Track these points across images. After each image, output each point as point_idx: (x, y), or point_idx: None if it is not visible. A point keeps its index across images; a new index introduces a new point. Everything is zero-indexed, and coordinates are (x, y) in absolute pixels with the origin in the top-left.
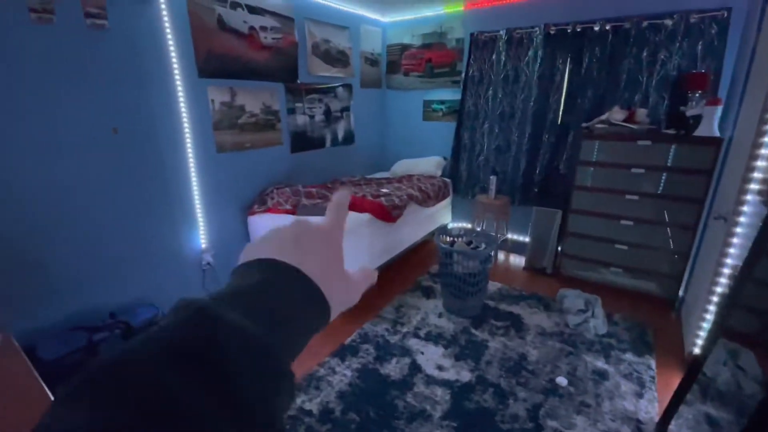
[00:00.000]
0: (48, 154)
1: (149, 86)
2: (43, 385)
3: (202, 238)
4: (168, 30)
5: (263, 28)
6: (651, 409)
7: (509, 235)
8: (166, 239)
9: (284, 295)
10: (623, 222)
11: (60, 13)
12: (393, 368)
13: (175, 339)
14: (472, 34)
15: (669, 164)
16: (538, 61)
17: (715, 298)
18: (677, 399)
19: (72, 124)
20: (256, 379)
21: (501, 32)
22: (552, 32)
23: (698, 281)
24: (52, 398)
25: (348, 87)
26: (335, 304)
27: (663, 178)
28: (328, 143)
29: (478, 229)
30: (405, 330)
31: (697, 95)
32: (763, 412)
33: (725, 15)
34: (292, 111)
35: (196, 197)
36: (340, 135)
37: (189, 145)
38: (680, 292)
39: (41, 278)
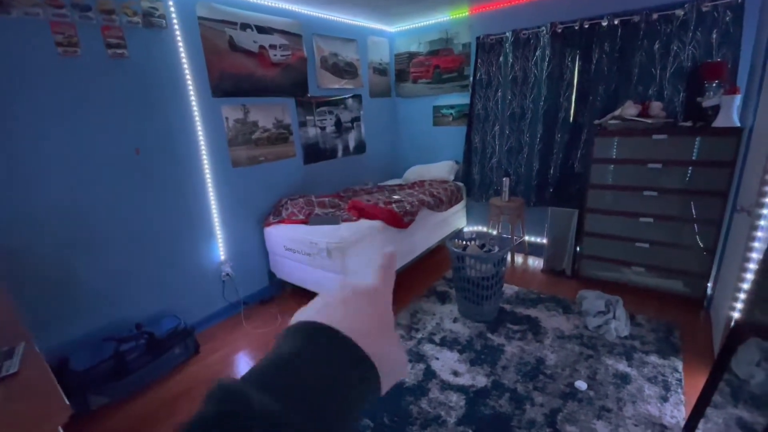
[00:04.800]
0: (77, 175)
1: (167, 108)
2: (62, 393)
3: (220, 250)
4: (183, 54)
5: (272, 47)
6: (677, 413)
7: (526, 238)
8: (186, 252)
9: (324, 362)
10: (642, 219)
11: (84, 45)
12: (408, 374)
13: None
14: (478, 38)
15: (688, 157)
16: (546, 60)
17: (741, 295)
18: (703, 400)
19: (98, 146)
20: None
21: (507, 34)
22: (559, 30)
23: (726, 278)
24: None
25: (357, 98)
26: (386, 370)
27: (682, 172)
28: (339, 153)
29: (493, 233)
30: (420, 336)
31: (714, 85)
32: None
33: (739, 1)
34: (303, 124)
35: (214, 211)
36: (352, 145)
37: (206, 161)
38: (708, 290)
39: (72, 293)
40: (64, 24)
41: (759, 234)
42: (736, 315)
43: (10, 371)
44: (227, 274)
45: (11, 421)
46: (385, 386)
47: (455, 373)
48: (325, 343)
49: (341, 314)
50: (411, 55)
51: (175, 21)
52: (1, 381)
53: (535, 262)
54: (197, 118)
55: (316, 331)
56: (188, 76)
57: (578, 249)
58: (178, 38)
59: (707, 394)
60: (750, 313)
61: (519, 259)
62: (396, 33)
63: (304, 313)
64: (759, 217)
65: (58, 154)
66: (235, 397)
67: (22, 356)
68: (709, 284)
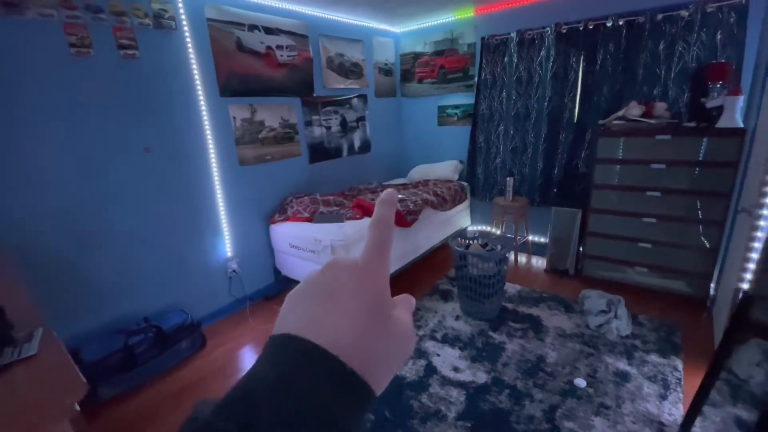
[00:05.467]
0: (89, 172)
1: (176, 107)
2: (79, 372)
3: (227, 246)
4: (191, 55)
5: (279, 47)
6: (675, 411)
7: (530, 237)
8: (194, 249)
9: (293, 390)
10: (646, 219)
11: (96, 46)
12: (409, 370)
13: None
14: (483, 38)
15: (691, 158)
16: (551, 60)
17: (751, 265)
18: (700, 397)
19: (109, 144)
20: None
21: (512, 34)
22: (563, 31)
23: (728, 278)
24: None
25: (363, 97)
26: (378, 375)
27: (686, 172)
28: (345, 153)
29: (497, 232)
30: (422, 333)
31: (718, 86)
32: None
33: (744, 2)
34: (309, 123)
35: (221, 208)
36: (357, 144)
37: (213, 160)
38: (711, 291)
39: (83, 287)
40: (77, 25)
41: (759, 234)
42: (745, 286)
43: (30, 353)
44: (234, 271)
45: (32, 398)
46: (381, 388)
47: (456, 370)
48: (296, 363)
49: (316, 313)
50: (416, 56)
51: (184, 22)
52: (22, 362)
53: (539, 262)
54: (205, 118)
55: (284, 346)
56: (197, 76)
57: (581, 249)
58: (188, 39)
59: (703, 393)
60: (759, 283)
61: (522, 258)
62: (401, 33)
63: (288, 315)
64: (759, 217)
65: (70, 152)
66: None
67: (40, 340)
68: (712, 285)
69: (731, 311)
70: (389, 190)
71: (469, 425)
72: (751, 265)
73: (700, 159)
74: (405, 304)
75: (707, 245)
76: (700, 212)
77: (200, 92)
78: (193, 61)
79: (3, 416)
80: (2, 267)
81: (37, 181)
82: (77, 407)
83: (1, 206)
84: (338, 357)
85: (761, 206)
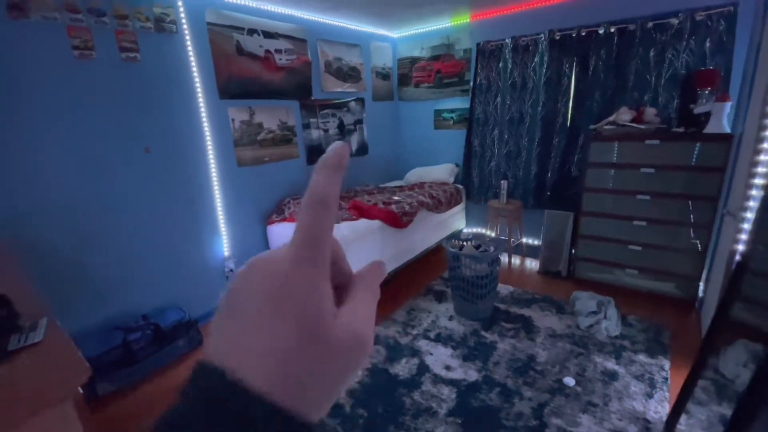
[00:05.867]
0: (90, 171)
1: (176, 109)
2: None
3: (225, 246)
4: (192, 58)
5: (278, 51)
6: (660, 409)
7: (523, 239)
8: (192, 248)
9: None
10: (636, 222)
11: (99, 49)
12: (402, 368)
13: None
14: (478, 44)
15: (680, 162)
16: (545, 66)
17: (745, 226)
18: (685, 392)
19: (110, 144)
20: None
21: (507, 40)
22: (557, 38)
23: (716, 280)
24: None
25: (360, 101)
26: (313, 402)
27: (674, 176)
28: None
29: (491, 234)
30: (415, 332)
31: (706, 92)
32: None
33: (732, 10)
34: (307, 126)
35: (219, 208)
36: (354, 147)
37: (212, 161)
38: (700, 292)
39: (83, 283)
40: (80, 28)
41: (743, 237)
42: (740, 248)
43: (35, 340)
44: (231, 270)
45: (39, 381)
46: (319, 413)
47: (448, 368)
48: (203, 398)
49: (233, 332)
50: (413, 60)
51: (185, 26)
52: (28, 348)
53: (532, 264)
54: (205, 119)
55: (196, 374)
56: (197, 79)
57: (573, 251)
58: (188, 43)
59: (688, 390)
60: (753, 246)
61: (516, 260)
62: (399, 38)
63: (213, 339)
64: (743, 220)
65: (71, 151)
66: None
67: (45, 328)
68: (701, 286)
69: (723, 288)
70: (338, 143)
71: (459, 421)
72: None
73: (688, 164)
74: (365, 286)
75: (699, 247)
76: (692, 215)
77: (200, 94)
78: (193, 64)
79: (10, 398)
80: (7, 260)
81: (38, 179)
82: (80, 390)
83: (6, 202)
84: (254, 390)
85: (745, 209)
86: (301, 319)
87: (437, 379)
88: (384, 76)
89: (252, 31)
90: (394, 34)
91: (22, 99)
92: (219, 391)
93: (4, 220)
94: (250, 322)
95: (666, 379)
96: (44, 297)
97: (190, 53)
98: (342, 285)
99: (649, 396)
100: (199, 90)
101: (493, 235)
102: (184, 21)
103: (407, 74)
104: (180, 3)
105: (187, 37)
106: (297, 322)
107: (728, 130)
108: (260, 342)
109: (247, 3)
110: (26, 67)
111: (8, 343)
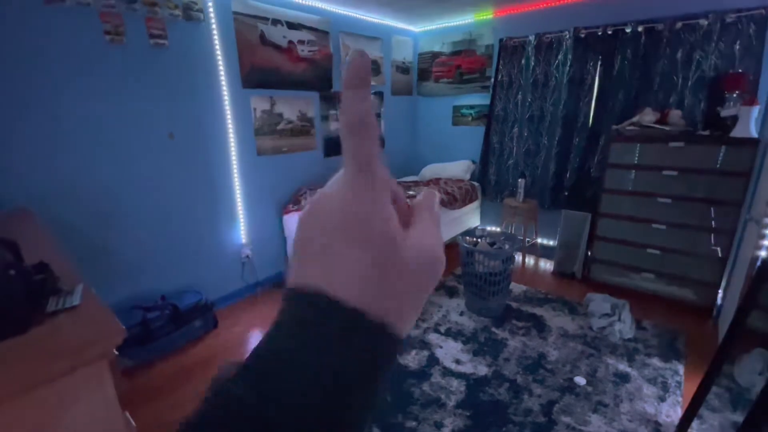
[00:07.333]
0: (115, 153)
1: (200, 96)
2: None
3: (242, 233)
4: (217, 46)
5: (301, 42)
6: (672, 413)
7: (538, 239)
8: (211, 233)
9: (322, 352)
10: (655, 226)
11: (129, 34)
12: (412, 359)
13: None
14: (501, 40)
15: (704, 166)
16: (568, 64)
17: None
18: (699, 397)
19: (135, 129)
20: None
21: (530, 37)
22: (582, 35)
23: (735, 287)
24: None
25: (379, 94)
26: (401, 315)
27: (698, 180)
28: None
29: (504, 231)
30: (426, 325)
31: (734, 96)
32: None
33: (764, 13)
34: (325, 118)
35: (238, 196)
36: None
37: (233, 148)
38: (719, 300)
39: (106, 263)
40: (112, 14)
41: (766, 243)
42: (763, 254)
43: (74, 303)
44: (247, 257)
45: (78, 340)
46: (407, 326)
47: (457, 362)
48: (309, 319)
49: (323, 261)
50: (434, 55)
51: (212, 14)
52: (66, 311)
53: (546, 264)
54: (227, 107)
55: (296, 300)
56: (221, 67)
57: (589, 253)
58: (214, 31)
59: (701, 395)
60: (741, 318)
61: (531, 260)
62: (420, 33)
63: (296, 259)
64: (766, 226)
65: (100, 134)
66: (224, 398)
67: (81, 294)
68: (720, 293)
69: (744, 287)
70: (354, 53)
71: (467, 414)
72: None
73: (713, 167)
74: (425, 208)
75: (719, 254)
76: (713, 221)
77: (223, 82)
78: (218, 52)
79: (50, 356)
80: (42, 232)
81: (65, 159)
82: (115, 352)
83: (34, 180)
84: (356, 307)
85: None
86: (372, 245)
87: (447, 372)
88: (404, 70)
89: (276, 22)
90: (416, 28)
91: (55, 81)
92: (320, 310)
93: (34, 197)
94: (327, 256)
95: (679, 383)
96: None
97: (216, 41)
98: (406, 221)
99: (662, 399)
100: (223, 78)
101: (505, 232)
102: (211, 9)
103: (427, 69)
104: None
105: (214, 26)
106: (369, 247)
107: (755, 135)
108: (341, 272)
109: None
110: (59, 50)
111: (47, 305)
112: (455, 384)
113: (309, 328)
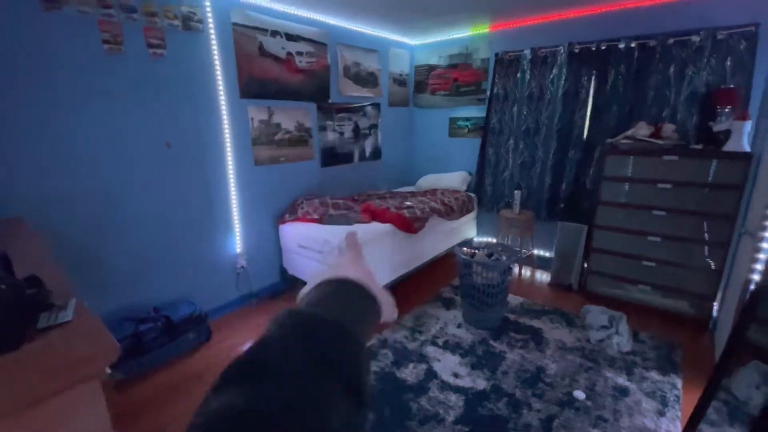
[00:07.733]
0: (111, 162)
1: (198, 106)
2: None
3: (237, 243)
4: (216, 56)
5: (299, 53)
6: (672, 427)
7: (535, 251)
8: (205, 243)
9: (348, 295)
10: (650, 238)
11: (128, 43)
12: (409, 373)
13: (296, 328)
14: (497, 54)
15: (698, 179)
16: (563, 78)
17: (761, 256)
18: (698, 411)
19: (132, 138)
20: (340, 347)
21: (525, 51)
22: (576, 50)
23: (731, 300)
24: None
25: (376, 106)
26: (383, 303)
27: (692, 193)
28: (356, 158)
29: (501, 243)
30: (423, 338)
31: (726, 110)
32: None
33: (754, 30)
34: (323, 128)
35: (234, 205)
36: (368, 151)
37: (230, 158)
38: (714, 312)
39: (98, 272)
40: (111, 23)
41: (761, 256)
42: (758, 267)
43: (66, 319)
44: (242, 267)
45: (70, 359)
46: (383, 316)
47: (456, 375)
48: (347, 287)
49: (346, 271)
50: (431, 68)
51: (211, 25)
52: (58, 326)
53: (543, 276)
54: (225, 117)
55: (338, 281)
56: (219, 77)
57: (586, 264)
58: (213, 41)
59: (701, 410)
60: (740, 331)
61: (527, 272)
62: (417, 46)
63: (321, 276)
64: (761, 239)
65: (95, 142)
66: (304, 312)
67: (74, 308)
68: (715, 306)
69: (737, 312)
70: (352, 232)
71: (467, 429)
72: (752, 287)
73: (706, 181)
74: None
75: (712, 266)
76: (707, 234)
77: (221, 92)
78: (216, 62)
79: (41, 375)
80: (36, 242)
81: (60, 167)
82: (108, 370)
83: (32, 187)
84: (363, 285)
85: (764, 229)
86: (364, 269)
87: (445, 386)
88: (401, 82)
89: (275, 33)
90: (413, 41)
91: (51, 88)
92: (350, 284)
93: (28, 206)
94: (346, 268)
95: (678, 397)
96: (71, 279)
97: (215, 52)
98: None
99: (661, 414)
100: (221, 88)
101: (504, 244)
102: (210, 20)
103: (424, 81)
104: (207, 2)
105: (213, 36)
106: (363, 269)
107: (748, 149)
108: (356, 274)
109: (272, 6)
110: (57, 57)
111: (39, 320)
112: (454, 398)
113: (345, 289)
